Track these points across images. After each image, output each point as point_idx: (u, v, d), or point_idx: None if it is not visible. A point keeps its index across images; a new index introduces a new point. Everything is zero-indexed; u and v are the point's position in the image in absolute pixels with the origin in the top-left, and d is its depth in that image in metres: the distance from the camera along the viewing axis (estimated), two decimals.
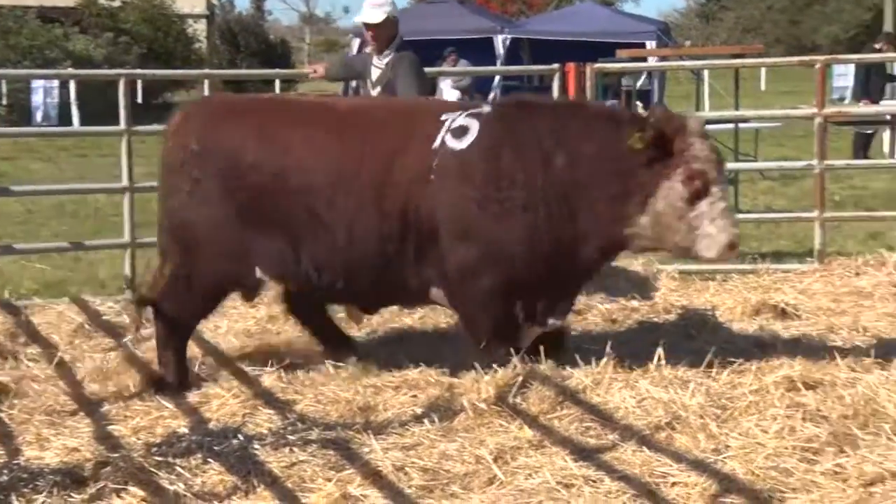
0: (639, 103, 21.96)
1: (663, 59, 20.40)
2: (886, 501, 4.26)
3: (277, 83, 24.34)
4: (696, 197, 5.71)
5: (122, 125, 8.61)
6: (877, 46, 18.16)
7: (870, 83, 17.14)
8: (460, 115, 6.08)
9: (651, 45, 25.57)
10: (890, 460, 4.57)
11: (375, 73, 7.78)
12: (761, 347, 6.60)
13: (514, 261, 5.84)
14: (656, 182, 5.76)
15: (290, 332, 7.25)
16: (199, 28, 41.99)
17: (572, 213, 5.84)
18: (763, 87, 33.42)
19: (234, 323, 7.52)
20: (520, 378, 5.61)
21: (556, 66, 9.70)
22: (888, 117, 16.27)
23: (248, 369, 6.38)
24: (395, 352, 6.59)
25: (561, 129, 5.95)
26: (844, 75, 20.27)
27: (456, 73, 20.87)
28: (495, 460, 4.86)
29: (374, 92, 7.76)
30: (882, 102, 17.30)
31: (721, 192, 5.78)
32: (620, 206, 5.80)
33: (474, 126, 5.99)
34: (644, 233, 5.83)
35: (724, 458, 4.83)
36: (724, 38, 48.28)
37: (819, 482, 4.55)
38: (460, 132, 5.97)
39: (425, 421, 5.34)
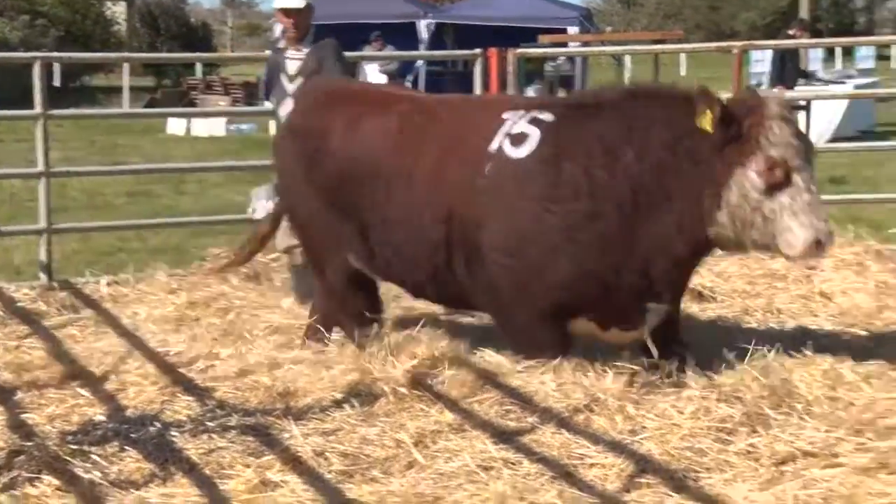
0: (561, 89, 22.30)
1: (585, 44, 20.59)
2: (797, 479, 4.34)
3: (199, 67, 24.06)
4: (775, 187, 5.15)
5: (38, 109, 8.46)
6: (790, 33, 18.43)
7: (785, 69, 17.38)
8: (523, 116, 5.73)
9: (573, 30, 25.72)
10: (801, 439, 4.66)
11: (293, 65, 7.48)
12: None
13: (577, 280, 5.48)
14: (729, 170, 5.21)
15: (210, 317, 7.22)
16: (119, 10, 41.39)
17: (650, 216, 5.38)
18: (683, 72, 33.74)
19: (153, 309, 7.46)
20: (442, 362, 5.62)
21: (478, 51, 9.72)
22: (803, 103, 16.53)
23: (166, 356, 6.32)
24: None
25: (631, 128, 5.44)
26: (762, 61, 20.51)
27: (379, 58, 20.83)
28: (415, 444, 4.87)
29: (293, 85, 7.45)
30: (797, 88, 17.56)
31: (806, 183, 5.17)
32: (697, 201, 5.29)
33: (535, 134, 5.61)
34: (724, 230, 5.32)
35: (641, 439, 4.87)
36: (645, 24, 48.63)
37: (732, 461, 4.62)
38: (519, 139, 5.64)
39: (346, 406, 5.32)
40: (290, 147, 6.44)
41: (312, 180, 6.23)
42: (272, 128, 11.77)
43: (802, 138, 5.26)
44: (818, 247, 5.15)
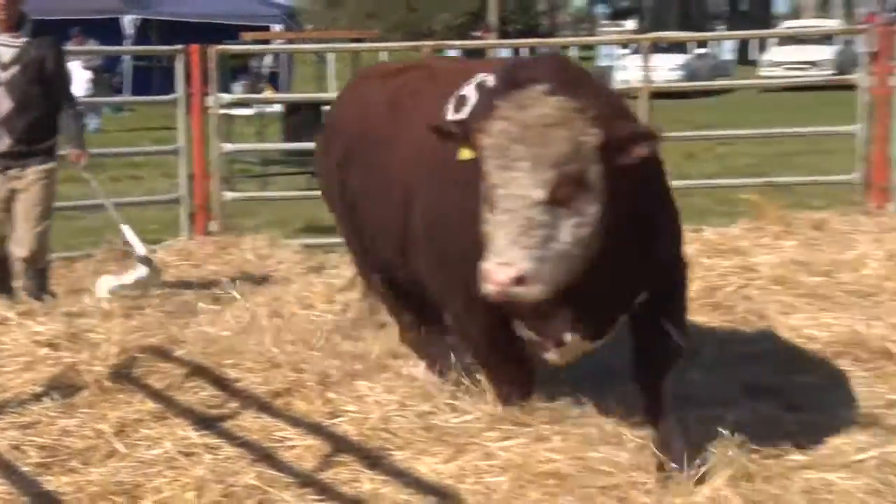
0: (268, 85, 22.35)
1: (290, 41, 20.78)
2: (479, 451, 4.62)
3: None
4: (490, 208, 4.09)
5: None
6: (476, 34, 19.17)
7: None
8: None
9: (277, 28, 25.91)
10: (482, 412, 4.96)
11: (9, 53, 7.17)
12: None
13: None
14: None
15: None
16: None
17: None
18: None
19: None
20: (146, 353, 5.67)
21: (179, 47, 9.74)
22: None
23: None
24: None
25: None
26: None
27: (83, 53, 20.39)
28: (116, 434, 4.90)
29: (8, 73, 7.17)
30: None
31: (507, 205, 3.99)
32: None
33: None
34: None
35: (339, 421, 5.05)
36: (346, 23, 49.11)
37: (422, 438, 4.83)
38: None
39: (45, 399, 5.28)
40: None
41: (343, 184, 5.78)
42: None
43: (526, 143, 4.00)
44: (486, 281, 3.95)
